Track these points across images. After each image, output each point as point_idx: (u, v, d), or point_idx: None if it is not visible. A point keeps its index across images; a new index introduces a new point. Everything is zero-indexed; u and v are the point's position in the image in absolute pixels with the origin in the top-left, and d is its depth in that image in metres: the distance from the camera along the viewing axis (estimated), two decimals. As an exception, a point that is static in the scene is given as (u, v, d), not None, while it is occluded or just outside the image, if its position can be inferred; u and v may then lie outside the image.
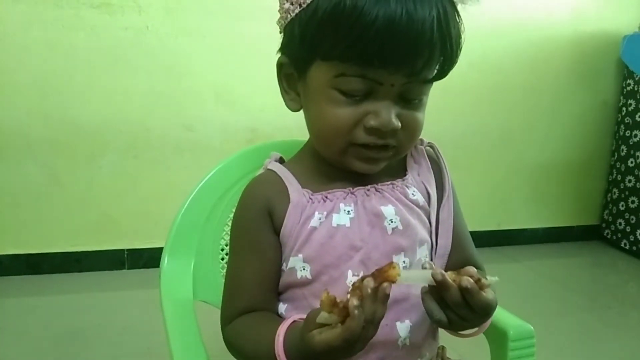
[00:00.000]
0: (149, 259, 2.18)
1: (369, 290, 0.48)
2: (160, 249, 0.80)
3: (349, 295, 0.49)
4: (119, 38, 2.04)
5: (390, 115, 0.58)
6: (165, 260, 0.79)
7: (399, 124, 0.59)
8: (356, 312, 0.47)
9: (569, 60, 2.69)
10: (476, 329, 0.61)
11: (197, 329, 0.71)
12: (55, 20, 1.96)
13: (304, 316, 0.58)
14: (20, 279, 2.06)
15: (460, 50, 0.60)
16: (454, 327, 0.57)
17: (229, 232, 0.84)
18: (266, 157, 0.82)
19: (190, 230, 0.81)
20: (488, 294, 0.54)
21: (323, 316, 0.50)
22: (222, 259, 0.84)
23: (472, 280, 0.53)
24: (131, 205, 2.18)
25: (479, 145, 2.63)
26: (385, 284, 0.49)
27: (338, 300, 0.49)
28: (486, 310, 0.55)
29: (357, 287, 0.49)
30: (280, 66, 0.66)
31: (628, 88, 2.69)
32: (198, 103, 2.17)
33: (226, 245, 0.84)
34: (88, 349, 1.57)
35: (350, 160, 0.63)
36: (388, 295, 0.49)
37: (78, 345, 1.59)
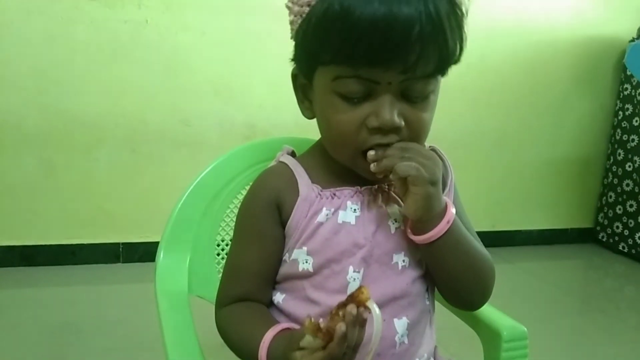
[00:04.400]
0: (144, 253, 2.18)
1: (352, 317, 0.50)
2: (155, 244, 0.80)
3: (327, 320, 0.51)
4: (118, 31, 2.04)
5: (390, 113, 0.58)
6: (161, 254, 0.79)
7: (401, 122, 0.59)
8: (341, 336, 0.49)
9: (567, 64, 2.70)
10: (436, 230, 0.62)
11: (191, 323, 0.71)
12: (54, 12, 1.96)
13: (291, 325, 0.61)
14: (14, 271, 2.05)
15: (462, 44, 0.60)
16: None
17: (224, 228, 0.85)
18: (263, 154, 0.83)
19: (187, 225, 0.82)
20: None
21: (307, 340, 0.51)
22: (218, 255, 0.84)
23: None
24: (127, 198, 2.18)
25: (476, 146, 2.64)
26: (361, 309, 0.50)
27: (322, 325, 0.51)
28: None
29: (336, 314, 0.51)
30: (294, 77, 0.68)
31: (625, 92, 2.70)
32: (196, 98, 2.16)
33: (222, 241, 0.85)
34: (82, 341, 1.57)
35: (358, 168, 0.65)
36: (366, 320, 0.51)
37: (72, 338, 1.58)
